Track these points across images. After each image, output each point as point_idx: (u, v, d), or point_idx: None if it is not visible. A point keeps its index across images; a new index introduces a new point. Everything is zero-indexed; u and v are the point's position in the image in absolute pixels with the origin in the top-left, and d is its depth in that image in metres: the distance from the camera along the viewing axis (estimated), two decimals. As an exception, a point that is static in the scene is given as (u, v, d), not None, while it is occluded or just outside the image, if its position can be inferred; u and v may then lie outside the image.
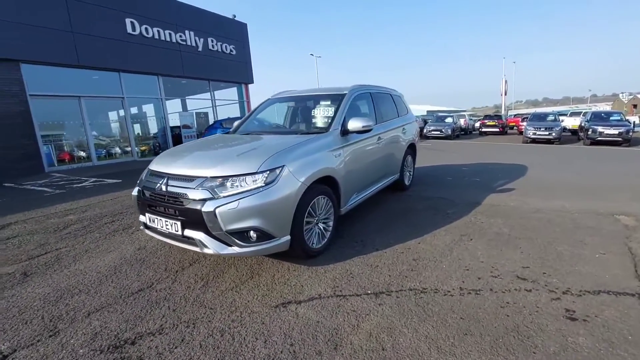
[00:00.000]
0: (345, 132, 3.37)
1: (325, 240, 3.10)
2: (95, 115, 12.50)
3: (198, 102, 17.06)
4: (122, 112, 12.88)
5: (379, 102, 4.42)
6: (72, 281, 2.73)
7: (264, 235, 2.47)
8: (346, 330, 1.97)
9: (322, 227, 3.06)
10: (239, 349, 1.85)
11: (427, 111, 48.30)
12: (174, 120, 14.84)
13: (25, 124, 9.82)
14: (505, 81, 33.64)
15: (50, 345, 1.96)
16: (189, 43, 14.24)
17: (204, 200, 2.39)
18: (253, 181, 2.45)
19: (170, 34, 13.49)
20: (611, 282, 2.37)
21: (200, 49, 14.75)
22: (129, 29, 12.18)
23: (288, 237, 2.62)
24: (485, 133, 21.08)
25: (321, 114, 3.77)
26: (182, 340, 1.94)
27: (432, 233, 3.45)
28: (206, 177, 2.47)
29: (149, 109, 14.78)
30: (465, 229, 3.54)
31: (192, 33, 14.32)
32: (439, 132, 18.13)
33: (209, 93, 16.18)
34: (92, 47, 11.11)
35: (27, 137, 9.83)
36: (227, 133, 4.06)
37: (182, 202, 2.49)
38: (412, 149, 5.36)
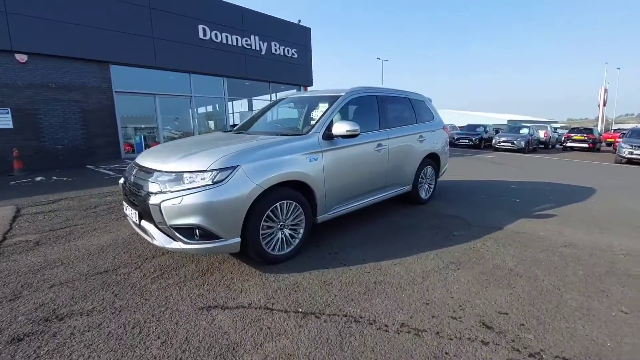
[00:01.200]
0: (329, 136, 3.18)
1: (292, 247, 2.96)
2: (166, 111, 14.09)
3: (264, 103, 18.05)
4: (190, 110, 14.31)
5: (387, 106, 4.07)
6: (62, 255, 3.08)
7: (208, 235, 2.45)
8: (246, 347, 1.83)
9: (287, 234, 2.93)
10: (136, 345, 1.85)
11: (509, 120, 43.49)
12: (236, 119, 16.01)
13: (110, 116, 11.55)
14: (605, 90, 28.45)
15: (5, 307, 2.22)
16: (253, 47, 15.15)
17: (154, 193, 2.47)
18: (201, 179, 2.45)
19: (237, 39, 14.53)
20: (610, 355, 1.78)
21: (263, 52, 15.58)
22: (201, 35, 13.45)
23: (238, 240, 2.55)
24: (571, 148, 18.12)
25: (316, 116, 3.63)
26: (99, 325, 2.02)
27: (418, 255, 3.04)
28: (162, 171, 2.55)
29: (213, 107, 16.15)
30: (460, 255, 3.04)
31: (256, 38, 15.22)
32: (509, 144, 16.18)
33: (269, 95, 16.99)
34: (168, 50, 12.56)
35: (110, 127, 11.54)
36: (227, 131, 4.17)
37: (140, 193, 2.61)
38: (433, 159, 4.84)
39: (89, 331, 1.96)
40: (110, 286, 2.51)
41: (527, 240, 3.42)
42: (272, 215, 2.77)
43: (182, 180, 2.46)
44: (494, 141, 16.88)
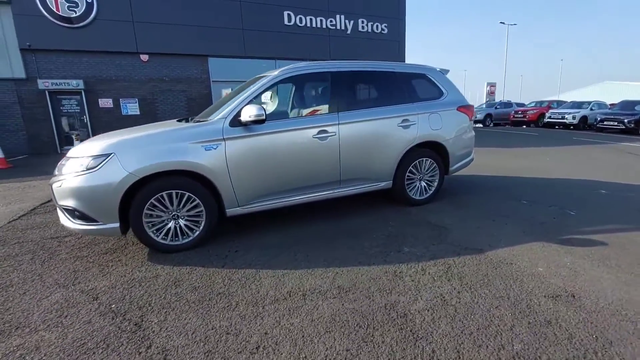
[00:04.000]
0: (240, 122, 2.84)
1: (190, 238, 2.85)
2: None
3: None
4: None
5: (349, 84, 3.31)
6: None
7: (85, 217, 2.59)
8: (33, 323, 1.88)
9: (183, 224, 2.83)
10: (-27, 304, 2.15)
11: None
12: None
13: (208, 102, 13.43)
14: None
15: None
16: (338, 27, 14.80)
17: (55, 176, 2.75)
18: (80, 165, 2.58)
19: (321, 20, 14.46)
20: None
21: (349, 31, 15.05)
22: (286, 21, 13.95)
23: (116, 225, 2.62)
24: None
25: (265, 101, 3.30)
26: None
27: (316, 270, 2.46)
28: (68, 157, 2.81)
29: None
30: (367, 280, 2.29)
31: (342, 17, 14.77)
32: (615, 124, 11.74)
33: (355, 75, 16.45)
34: (255, 40, 13.57)
35: (208, 112, 13.49)
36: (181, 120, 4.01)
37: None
38: (434, 149, 3.73)
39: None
40: (34, 244, 2.98)
41: (499, 278, 2.30)
42: (159, 205, 2.71)
43: (71, 165, 2.65)
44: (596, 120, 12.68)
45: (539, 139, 11.68)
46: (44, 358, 1.66)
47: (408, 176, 3.66)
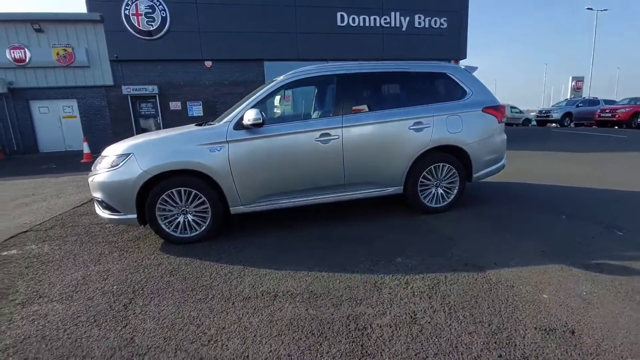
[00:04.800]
0: (241, 126, 3.00)
1: (197, 232, 3.11)
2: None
3: None
4: (327, 95, 15.46)
5: (356, 86, 3.23)
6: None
7: (110, 208, 2.99)
8: (41, 291, 2.27)
9: (191, 219, 3.09)
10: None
11: None
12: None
13: (262, 104, 14.19)
14: None
15: (35, 233, 3.60)
16: (392, 25, 14.41)
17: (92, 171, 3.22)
18: (108, 162, 2.99)
19: (374, 19, 14.22)
20: None
21: (404, 28, 14.54)
22: (339, 22, 14.04)
23: (134, 216, 2.98)
24: None
25: (274, 105, 3.44)
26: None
27: (286, 272, 2.49)
28: (102, 155, 3.26)
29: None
30: (347, 290, 2.24)
31: (397, 14, 14.33)
32: None
33: (410, 73, 15.80)
34: (308, 42, 13.91)
35: (262, 113, 14.25)
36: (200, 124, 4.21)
37: (99, 171, 3.43)
38: (454, 153, 3.43)
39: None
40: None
41: (489, 301, 2.05)
42: (170, 200, 3.00)
43: (100, 162, 3.09)
44: None
45: (624, 142, 9.90)
46: (47, 324, 1.99)
47: (422, 182, 3.45)
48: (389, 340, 1.74)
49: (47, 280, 2.54)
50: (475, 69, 3.61)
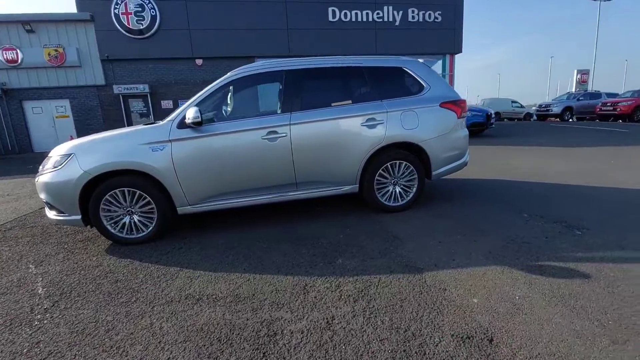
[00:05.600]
0: (185, 124, 2.93)
1: (144, 233, 3.06)
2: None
3: None
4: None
5: (305, 83, 3.14)
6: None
7: (55, 209, 2.96)
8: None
9: (136, 220, 3.04)
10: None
11: None
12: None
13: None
14: None
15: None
16: (385, 19, 14.20)
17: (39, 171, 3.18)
18: (52, 163, 2.94)
19: (367, 14, 14.03)
20: None
21: (397, 23, 14.33)
22: (330, 17, 13.88)
23: (77, 217, 2.93)
24: None
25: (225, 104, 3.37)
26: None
27: (220, 274, 2.43)
28: (48, 156, 3.20)
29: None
30: (273, 293, 2.17)
31: (390, 7, 14.11)
32: None
33: (405, 69, 15.58)
34: (299, 38, 13.79)
35: (254, 111, 14.19)
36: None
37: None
38: (411, 150, 3.33)
39: None
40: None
41: (415, 305, 1.96)
42: (114, 201, 2.96)
43: (46, 163, 3.05)
44: None
45: (621, 136, 9.65)
46: (-40, 329, 1.95)
47: (379, 180, 3.35)
48: (294, 348, 1.67)
49: (-18, 282, 2.51)
50: (434, 62, 3.49)
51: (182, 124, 2.94)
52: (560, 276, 2.19)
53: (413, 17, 14.38)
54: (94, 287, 2.36)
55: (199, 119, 2.80)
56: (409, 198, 3.47)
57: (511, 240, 2.76)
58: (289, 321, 1.88)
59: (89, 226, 3.06)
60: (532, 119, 21.07)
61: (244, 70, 3.16)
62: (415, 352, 1.61)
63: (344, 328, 1.80)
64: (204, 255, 2.79)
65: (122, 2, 12.13)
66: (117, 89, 12.75)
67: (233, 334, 1.80)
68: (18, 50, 12.03)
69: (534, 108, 22.39)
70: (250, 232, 3.22)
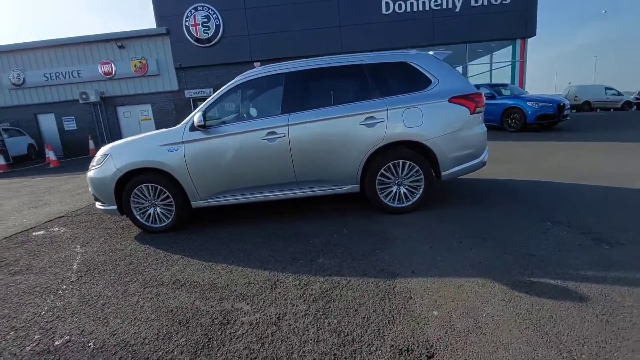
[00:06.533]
0: (194, 127, 3.25)
1: (164, 223, 3.49)
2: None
3: (478, 67, 15.66)
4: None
5: (305, 84, 3.18)
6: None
7: (98, 200, 3.55)
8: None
9: (159, 211, 3.48)
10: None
11: None
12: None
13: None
14: None
15: None
16: (444, 6, 13.28)
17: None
18: (95, 161, 3.54)
19: (423, 3, 13.30)
20: None
21: (457, 9, 13.29)
22: (384, 10, 13.49)
23: (114, 207, 3.48)
24: None
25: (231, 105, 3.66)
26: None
27: (209, 264, 2.65)
28: (95, 155, 3.84)
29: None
30: (244, 286, 2.33)
31: (449, -7, 13.14)
32: None
33: (466, 58, 14.39)
34: (352, 35, 13.70)
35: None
36: None
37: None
38: (416, 149, 3.13)
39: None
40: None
41: (371, 311, 1.91)
42: (141, 194, 3.43)
43: (93, 161, 3.66)
44: None
45: None
46: (18, 286, 2.54)
47: (381, 180, 3.26)
48: (236, 338, 1.80)
49: (45, 256, 3.16)
50: (447, 54, 3.23)
51: (193, 127, 3.26)
52: (548, 296, 1.91)
53: (476, 1, 13.14)
54: (112, 267, 2.80)
55: (202, 122, 3.09)
56: (414, 199, 3.30)
57: (513, 250, 2.46)
58: (245, 312, 2.01)
59: (124, 215, 3.60)
60: (632, 109, 17.57)
61: (248, 75, 3.35)
62: (345, 358, 1.60)
63: (289, 325, 1.86)
64: (205, 246, 3.08)
65: (191, 15, 13.56)
66: (188, 93, 14.33)
67: (193, 318, 1.99)
68: (112, 64, 14.34)
69: (633, 96, 18.61)
70: (251, 228, 3.43)
